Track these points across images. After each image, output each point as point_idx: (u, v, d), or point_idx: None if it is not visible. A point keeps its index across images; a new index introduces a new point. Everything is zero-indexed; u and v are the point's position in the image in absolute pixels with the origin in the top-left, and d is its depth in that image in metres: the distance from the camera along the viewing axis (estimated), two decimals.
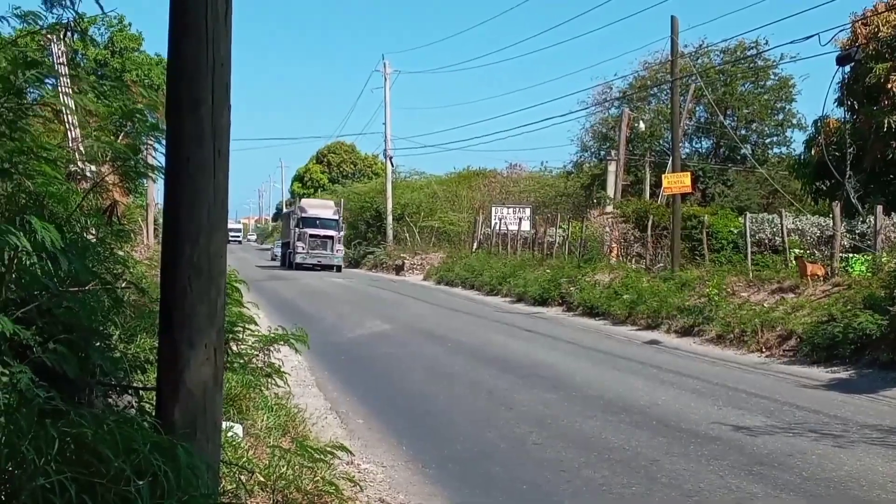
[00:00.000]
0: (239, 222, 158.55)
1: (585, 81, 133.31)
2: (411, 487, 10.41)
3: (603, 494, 10.32)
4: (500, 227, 57.91)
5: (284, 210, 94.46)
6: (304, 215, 71.50)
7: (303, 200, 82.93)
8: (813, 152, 40.54)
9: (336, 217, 73.40)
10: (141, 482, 4.26)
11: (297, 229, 69.95)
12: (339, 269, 68.99)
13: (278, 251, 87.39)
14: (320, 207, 75.68)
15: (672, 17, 36.96)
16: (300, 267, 66.53)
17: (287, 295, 39.10)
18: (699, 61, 55.80)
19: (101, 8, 7.46)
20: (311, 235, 68.41)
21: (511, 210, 60.34)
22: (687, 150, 55.97)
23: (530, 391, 17.09)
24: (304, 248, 68.08)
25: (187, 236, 5.88)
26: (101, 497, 4.11)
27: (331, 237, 69.43)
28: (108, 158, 12.03)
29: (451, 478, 10.97)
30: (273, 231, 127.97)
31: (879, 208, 28.70)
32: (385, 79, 78.18)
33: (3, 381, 5.57)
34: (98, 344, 6.90)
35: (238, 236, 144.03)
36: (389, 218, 73.42)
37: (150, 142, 10.23)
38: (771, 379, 19.34)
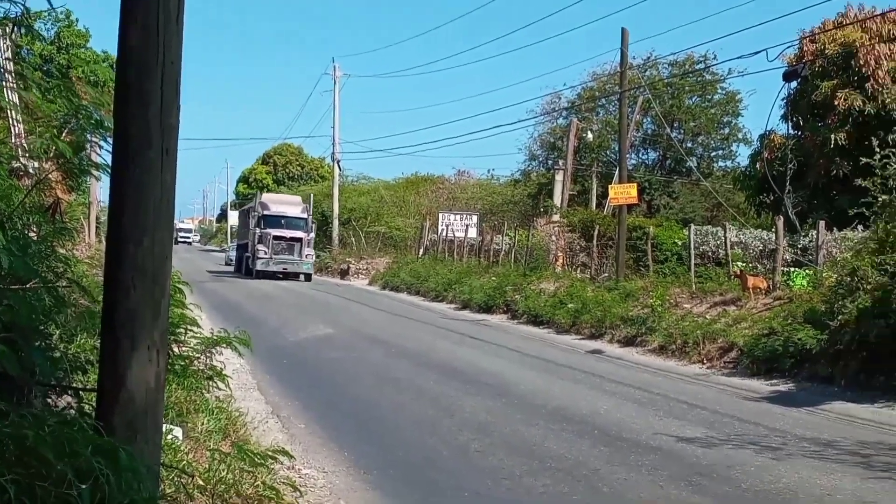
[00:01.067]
0: (189, 222, 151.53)
1: (535, 91, 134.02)
2: (352, 493, 10.40)
3: (544, 503, 10.36)
4: (446, 233, 58.23)
5: (240, 208, 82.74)
6: (266, 213, 59.72)
7: (264, 195, 69.60)
8: (757, 166, 41.22)
9: (305, 216, 62.30)
10: (83, 485, 4.24)
11: (257, 230, 58.51)
12: (308, 277, 58.95)
13: (233, 255, 76.32)
14: (285, 204, 63.94)
15: (622, 29, 37.34)
16: (261, 275, 56.02)
17: (231, 297, 38.92)
18: (647, 73, 56.20)
19: (50, 3, 7.41)
20: (276, 237, 57.25)
21: (458, 217, 60.57)
22: (633, 162, 56.45)
23: (474, 398, 17.12)
24: (266, 253, 56.97)
25: (132, 236, 5.84)
26: (41, 500, 4.08)
27: (299, 239, 58.04)
28: (51, 155, 11.95)
29: (394, 484, 10.97)
30: (217, 232, 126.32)
31: (822, 223, 29.05)
32: (335, 82, 78.27)
33: None
34: (38, 343, 6.84)
35: (188, 237, 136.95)
36: (336, 222, 73.29)
37: (95, 139, 10.19)
38: (712, 390, 19.49)
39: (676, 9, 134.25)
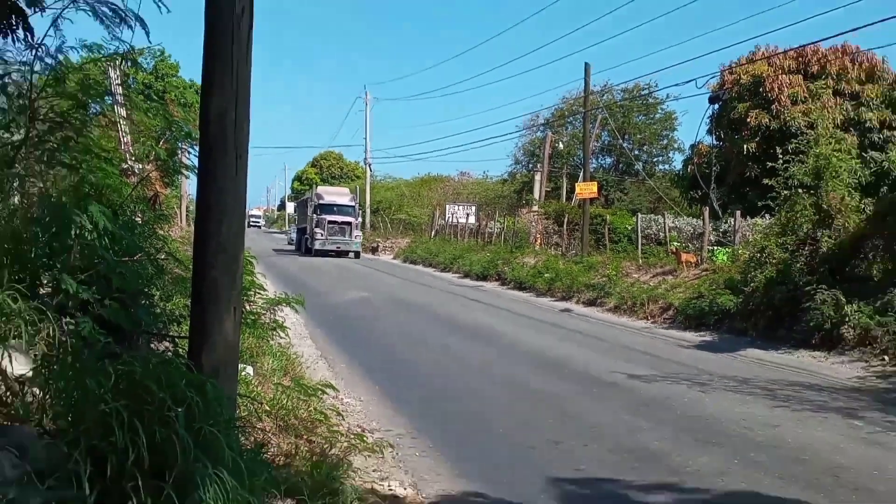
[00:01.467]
0: (258, 210, 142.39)
1: (520, 110, 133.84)
2: (383, 417, 10.42)
3: (526, 425, 10.37)
4: (452, 219, 58.20)
5: (300, 198, 76.67)
6: (321, 202, 55.34)
7: (319, 188, 66.44)
8: (689, 169, 41.73)
9: (353, 203, 57.33)
10: (179, 409, 4.23)
11: (314, 216, 54.47)
12: (357, 254, 53.77)
13: (294, 236, 70.69)
14: (337, 194, 59.12)
15: (586, 63, 37.30)
16: (319, 253, 51.65)
17: (290, 269, 38.82)
18: (605, 97, 55.96)
19: (149, 42, 7.39)
20: (330, 222, 52.96)
21: (460, 207, 60.21)
22: (594, 165, 56.01)
23: (473, 346, 17.15)
24: (322, 235, 52.68)
25: (214, 220, 5.84)
26: (147, 421, 4.08)
27: (349, 223, 53.61)
28: (151, 159, 11.92)
29: (413, 410, 10.99)
30: (278, 218, 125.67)
31: (738, 213, 29.22)
32: (366, 105, 78.00)
33: (72, 330, 5.51)
34: (143, 302, 6.85)
35: (258, 222, 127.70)
36: (368, 211, 72.88)
37: (184, 146, 10.16)
38: (654, 340, 19.48)
39: (628, 46, 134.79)
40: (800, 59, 38.83)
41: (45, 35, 6.63)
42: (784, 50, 37.97)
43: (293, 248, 64.48)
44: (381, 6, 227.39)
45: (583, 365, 15.00)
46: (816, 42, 37.33)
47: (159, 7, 6.78)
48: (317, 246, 52.85)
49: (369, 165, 77.67)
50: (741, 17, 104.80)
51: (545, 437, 9.70)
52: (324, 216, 53.59)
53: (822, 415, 11.37)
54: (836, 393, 13.16)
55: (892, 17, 35.19)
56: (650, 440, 9.64)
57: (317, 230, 53.81)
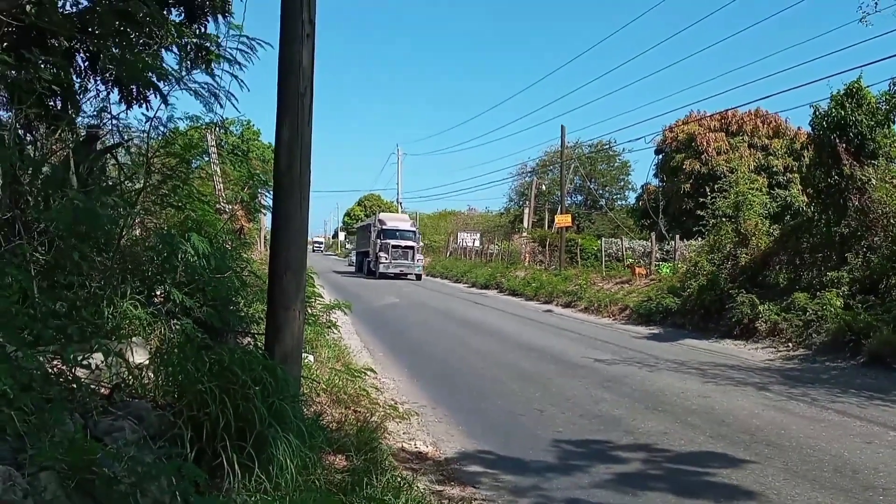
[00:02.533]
0: (320, 237, 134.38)
1: (513, 160, 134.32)
2: (410, 392, 10.38)
3: (516, 396, 10.33)
4: (462, 243, 57.94)
5: (361, 224, 65.90)
6: (384, 227, 45.72)
7: (381, 214, 55.13)
8: (640, 204, 42.07)
9: (413, 229, 47.76)
10: (256, 387, 4.25)
11: (378, 241, 44.78)
12: (418, 277, 44.22)
13: (354, 258, 61.04)
14: (398, 220, 49.76)
15: (562, 125, 37.56)
16: (383, 276, 42.29)
17: (340, 282, 38.87)
18: (576, 151, 55.93)
19: (238, 110, 7.49)
20: (394, 246, 43.54)
21: (468, 234, 59.77)
22: (569, 202, 55.70)
23: (479, 337, 17.08)
24: (386, 259, 43.30)
25: (284, 245, 5.90)
26: (233, 396, 4.11)
27: (411, 248, 44.19)
28: (238, 201, 11.99)
29: (433, 387, 10.96)
30: (332, 244, 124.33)
31: (677, 237, 29.02)
32: (398, 159, 78.14)
33: (178, 329, 5.56)
34: (231, 308, 6.88)
35: (320, 247, 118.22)
36: None
37: (262, 192, 10.23)
38: (615, 332, 19.35)
39: (595, 111, 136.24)
40: (723, 120, 38.87)
41: (158, 108, 6.74)
42: (710, 114, 38.05)
43: (353, 269, 54.85)
44: (405, 76, 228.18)
45: (560, 351, 14.92)
46: (735, 107, 37.53)
47: (241, 86, 6.88)
48: (381, 269, 42.95)
49: (401, 204, 77.74)
50: (680, 88, 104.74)
51: (532, 406, 9.65)
52: (387, 241, 43.76)
53: (741, 388, 11.28)
54: (752, 371, 13.05)
55: (792, 88, 35.68)
56: (612, 408, 9.58)
57: (381, 254, 43.67)
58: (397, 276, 42.16)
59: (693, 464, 7.10)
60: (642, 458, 7.33)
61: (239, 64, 6.77)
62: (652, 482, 6.53)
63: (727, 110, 37.56)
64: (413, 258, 43.46)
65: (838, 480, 6.63)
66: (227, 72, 6.80)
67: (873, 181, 16.84)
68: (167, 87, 6.72)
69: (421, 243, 47.94)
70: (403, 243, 43.46)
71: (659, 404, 9.87)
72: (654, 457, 7.38)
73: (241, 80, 6.99)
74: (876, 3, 13.42)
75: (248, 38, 6.66)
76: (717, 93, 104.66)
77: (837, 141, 16.98)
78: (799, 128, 36.98)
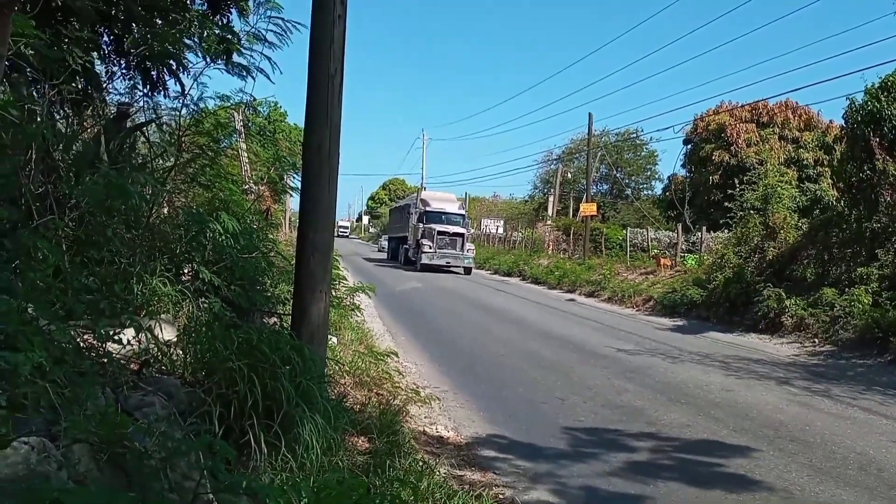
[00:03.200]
0: (347, 221, 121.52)
1: (538, 147, 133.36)
2: (432, 377, 10.41)
3: (537, 384, 10.33)
4: (486, 230, 57.70)
5: (397, 204, 56.88)
6: (428, 209, 38.26)
7: (424, 193, 46.76)
8: (666, 194, 41.53)
9: (462, 212, 40.20)
10: (284, 367, 4.29)
11: (420, 225, 37.35)
12: (468, 271, 36.32)
13: (385, 244, 53.48)
14: (445, 201, 41.27)
15: (589, 113, 38.26)
16: (427, 268, 35.20)
17: (363, 266, 39.00)
18: (603, 139, 55.51)
19: (272, 81, 7.51)
20: (440, 233, 35.82)
21: (492, 220, 59.59)
22: (594, 190, 55.45)
23: (501, 325, 17.08)
24: (431, 247, 35.66)
25: (311, 227, 5.92)
26: (261, 375, 4.15)
27: (460, 235, 36.35)
28: (265, 181, 12.05)
29: (455, 373, 10.97)
30: (356, 228, 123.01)
31: (704, 228, 28.81)
32: (423, 144, 77.88)
33: (206, 307, 5.61)
34: (258, 287, 6.94)
35: (346, 232, 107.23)
36: None
37: (291, 172, 10.26)
38: (639, 323, 19.29)
39: (623, 99, 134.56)
40: (754, 111, 38.34)
41: (190, 88, 6.79)
42: (741, 104, 37.58)
43: (384, 256, 47.66)
44: (435, 62, 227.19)
45: (582, 341, 14.90)
46: (766, 99, 37.09)
47: (273, 67, 6.89)
48: (424, 259, 35.27)
49: (425, 188, 77.70)
50: (710, 78, 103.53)
51: (553, 395, 9.66)
52: (431, 226, 36.16)
53: (765, 382, 11.21)
54: (777, 366, 12.96)
55: (824, 81, 34.79)
56: (634, 399, 9.56)
57: (424, 241, 36.00)
58: (442, 269, 35.29)
59: (713, 456, 7.07)
60: (661, 448, 7.32)
61: (272, 44, 6.78)
62: (669, 472, 6.52)
63: (758, 101, 37.11)
64: (462, 248, 35.58)
65: (863, 478, 6.58)
66: (262, 53, 6.82)
67: None
68: (197, 67, 6.77)
69: (471, 230, 41.10)
70: (451, 229, 35.63)
71: (682, 396, 9.83)
72: (673, 447, 7.36)
73: (274, 62, 7.00)
74: None
75: (282, 19, 6.66)
76: (748, 83, 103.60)
77: (871, 135, 16.73)
78: (831, 121, 36.41)
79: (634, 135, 56.26)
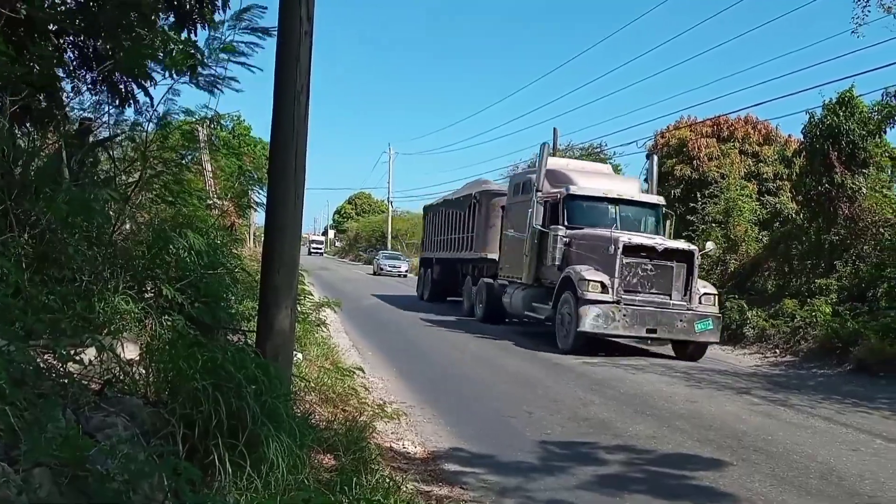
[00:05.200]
0: (322, 236, 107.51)
1: (505, 162, 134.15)
2: (399, 392, 10.36)
3: (505, 397, 10.34)
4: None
5: (458, 195, 25.13)
6: (572, 191, 15.68)
7: (555, 160, 19.28)
8: None
9: (656, 201, 16.91)
10: (249, 386, 4.26)
11: (558, 230, 14.95)
12: (700, 349, 14.37)
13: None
14: (602, 175, 18.37)
15: (554, 128, 37.55)
16: (590, 343, 14.08)
17: (329, 279, 38.76)
18: (568, 153, 55.99)
19: (220, 113, 7.49)
20: (631, 249, 13.73)
21: None
22: None
23: (464, 335, 17.05)
24: (610, 288, 13.49)
25: (277, 243, 5.91)
26: (225, 394, 4.11)
27: (677, 255, 14.01)
28: (229, 196, 11.97)
29: (423, 388, 10.94)
30: (323, 242, 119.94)
31: None
32: (389, 157, 77.67)
33: (169, 325, 5.55)
34: (222, 304, 6.87)
35: (320, 248, 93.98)
36: (389, 236, 72.66)
37: (253, 188, 10.23)
38: None
39: (588, 115, 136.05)
40: (714, 126, 38.92)
41: (158, 103, 6.75)
42: (702, 119, 38.21)
43: (419, 293, 27.83)
44: (399, 78, 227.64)
45: (549, 354, 14.92)
46: (727, 114, 37.59)
47: (251, 70, 6.86)
48: (589, 321, 13.59)
49: (391, 202, 77.66)
50: (672, 94, 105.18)
51: (521, 408, 9.66)
52: (598, 232, 14.87)
53: (728, 393, 11.35)
54: (739, 377, 13.12)
55: (784, 96, 35.60)
56: (600, 411, 9.62)
57: (584, 275, 13.78)
58: (640, 351, 15.66)
59: (679, 467, 7.14)
60: (628, 460, 7.37)
61: (244, 53, 6.74)
62: (636, 485, 6.56)
63: (718, 116, 37.75)
64: (688, 290, 14.18)
65: (824, 487, 6.69)
66: (235, 61, 6.78)
67: (864, 190, 17.02)
68: (163, 82, 6.73)
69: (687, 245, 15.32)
70: (650, 241, 14.44)
71: (647, 408, 9.91)
72: (639, 459, 7.41)
73: (249, 65, 6.94)
74: (864, 16, 13.62)
75: (254, 29, 6.63)
76: (710, 99, 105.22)
77: (829, 149, 17.15)
78: (790, 135, 37.11)
79: (598, 149, 56.98)
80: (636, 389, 11.33)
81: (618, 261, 13.76)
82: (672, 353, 15.09)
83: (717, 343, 15.13)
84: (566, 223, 15.55)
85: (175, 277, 6.27)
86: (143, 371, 4.81)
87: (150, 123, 6.87)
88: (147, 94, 6.79)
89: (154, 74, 6.92)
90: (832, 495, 6.48)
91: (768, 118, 32.42)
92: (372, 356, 13.56)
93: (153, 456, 3.23)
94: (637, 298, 13.95)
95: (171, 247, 6.29)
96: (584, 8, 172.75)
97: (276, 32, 5.93)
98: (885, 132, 17.86)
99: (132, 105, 6.78)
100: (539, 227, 15.94)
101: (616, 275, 13.78)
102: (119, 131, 7.14)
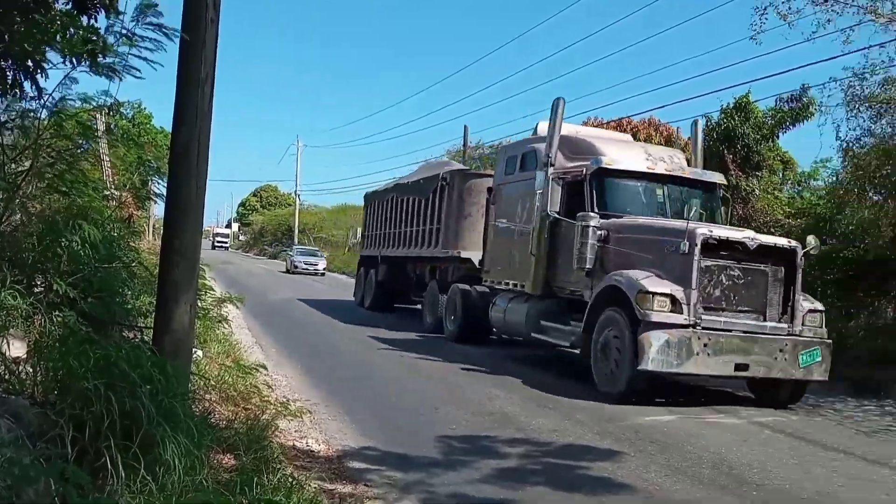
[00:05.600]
0: (227, 230, 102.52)
1: (414, 158, 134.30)
2: (303, 390, 10.21)
3: (411, 394, 10.33)
4: (360, 238, 57.23)
5: (421, 175, 20.10)
6: (604, 163, 11.20)
7: (569, 127, 13.29)
8: None
9: (717, 180, 12.38)
10: (144, 385, 4.14)
11: (589, 228, 10.59)
12: (800, 389, 10.19)
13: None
14: (633, 146, 14.02)
15: (465, 125, 37.75)
16: (644, 387, 9.72)
17: (233, 274, 37.86)
18: (478, 151, 56.55)
19: (120, 100, 7.21)
20: (718, 254, 9.51)
21: None
22: None
23: (376, 333, 16.97)
24: (687, 306, 9.26)
25: (177, 235, 5.77)
26: (119, 393, 3.98)
27: (774, 254, 9.79)
28: (128, 188, 11.56)
29: (321, 381, 10.85)
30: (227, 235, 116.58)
31: None
32: (297, 150, 76.67)
33: (60, 321, 5.33)
34: (118, 300, 6.64)
35: (225, 242, 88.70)
36: (296, 231, 71.63)
37: (154, 179, 9.94)
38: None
39: (497, 113, 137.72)
40: (618, 128, 40.05)
41: (54, 90, 6.44)
42: (607, 121, 39.20)
43: (357, 299, 24.11)
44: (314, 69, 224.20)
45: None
46: (630, 116, 38.73)
47: (153, 67, 6.61)
48: (654, 358, 9.24)
49: (298, 196, 76.59)
50: (580, 95, 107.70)
51: (427, 403, 9.72)
52: (664, 224, 10.74)
53: None
54: None
55: (685, 100, 36.83)
56: (504, 405, 9.76)
57: (648, 285, 9.51)
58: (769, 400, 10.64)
59: (580, 459, 7.34)
60: (531, 453, 7.53)
61: (147, 48, 6.48)
62: (536, 476, 6.72)
63: (622, 118, 38.79)
64: (791, 305, 9.90)
65: (716, 476, 7.01)
66: (138, 56, 6.51)
67: (757, 192, 17.89)
68: (60, 67, 6.41)
69: (787, 241, 10.38)
70: (736, 236, 9.97)
71: (549, 402, 10.11)
72: (542, 452, 7.58)
73: (151, 61, 6.68)
74: (762, 23, 14.31)
75: (160, 26, 6.38)
76: (615, 101, 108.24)
77: (725, 152, 17.96)
78: (689, 137, 38.61)
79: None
80: (538, 383, 11.41)
81: (695, 264, 9.48)
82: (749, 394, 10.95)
83: (822, 381, 10.41)
84: (595, 209, 11.20)
85: (67, 271, 6.01)
86: (31, 370, 4.60)
87: (44, 110, 6.55)
88: (35, 83, 6.44)
89: (50, 59, 6.59)
90: (723, 484, 6.80)
91: (670, 121, 33.47)
92: (265, 339, 13.32)
93: (39, 459, 3.09)
94: (721, 319, 9.62)
95: (63, 239, 6.02)
96: (501, 4, 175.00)
97: (177, 36, 5.75)
98: (777, 137, 18.85)
99: (18, 93, 6.43)
100: (555, 215, 11.95)
101: (693, 285, 9.44)
102: (8, 118, 6.77)
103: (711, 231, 9.87)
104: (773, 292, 9.94)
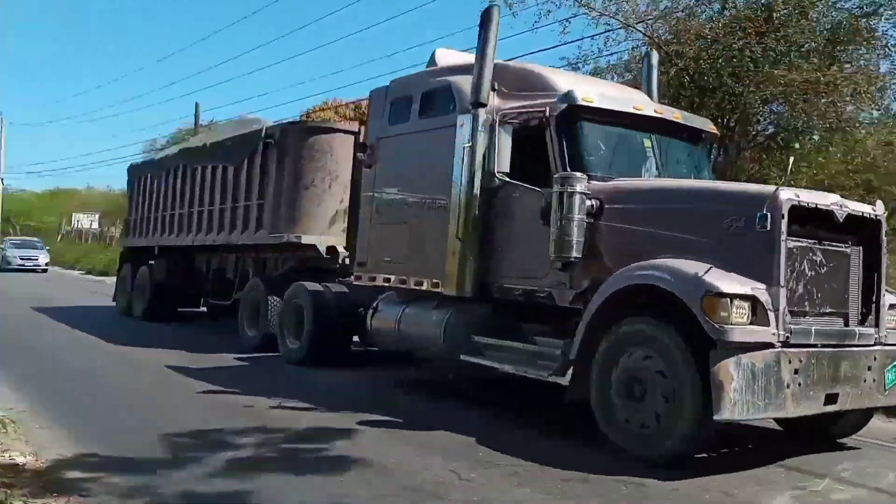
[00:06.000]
0: None
1: (146, 135, 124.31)
2: (5, 398, 9.04)
3: (130, 391, 9.69)
4: (77, 225, 53.08)
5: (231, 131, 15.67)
6: (580, 99, 7.54)
7: (554, 74, 8.96)
8: None
9: (709, 129, 8.92)
10: None
11: (575, 195, 6.85)
12: (866, 417, 7.28)
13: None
14: (591, 81, 11.11)
15: (196, 103, 36.38)
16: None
17: None
18: (211, 129, 54.31)
19: None
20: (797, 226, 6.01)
21: (85, 215, 54.98)
22: None
23: (88, 329, 15.55)
24: (780, 307, 5.94)
25: None
26: None
27: (858, 227, 6.66)
28: None
29: (34, 390, 9.77)
30: None
31: None
32: (2, 126, 68.03)
33: None
34: None
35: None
36: (0, 219, 63.94)
37: None
38: None
39: (232, 89, 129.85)
40: (356, 109, 40.45)
41: None
42: (346, 102, 39.45)
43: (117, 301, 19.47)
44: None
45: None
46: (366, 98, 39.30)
47: None
48: (771, 405, 5.86)
49: (2, 179, 68.18)
50: (317, 76, 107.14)
51: (149, 400, 9.14)
52: (689, 192, 7.33)
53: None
54: None
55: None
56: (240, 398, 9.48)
57: (717, 282, 5.91)
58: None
59: (318, 442, 7.32)
60: (268, 441, 7.36)
61: None
62: (273, 464, 6.56)
63: (360, 100, 39.18)
64: (875, 299, 6.89)
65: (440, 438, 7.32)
66: None
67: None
68: None
69: (871, 208, 7.08)
70: (824, 203, 6.56)
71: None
72: (280, 439, 7.45)
73: None
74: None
75: None
76: (355, 81, 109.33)
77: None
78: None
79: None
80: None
81: (781, 247, 6.22)
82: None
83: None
84: (566, 168, 7.50)
85: None
86: None
87: None
88: None
89: None
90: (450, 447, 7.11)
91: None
92: None
93: None
94: (811, 328, 6.39)
95: None
96: None
97: None
98: None
99: None
100: (504, 178, 8.03)
101: (779, 279, 6.18)
102: None
103: (798, 196, 6.49)
104: (853, 281, 6.89)
